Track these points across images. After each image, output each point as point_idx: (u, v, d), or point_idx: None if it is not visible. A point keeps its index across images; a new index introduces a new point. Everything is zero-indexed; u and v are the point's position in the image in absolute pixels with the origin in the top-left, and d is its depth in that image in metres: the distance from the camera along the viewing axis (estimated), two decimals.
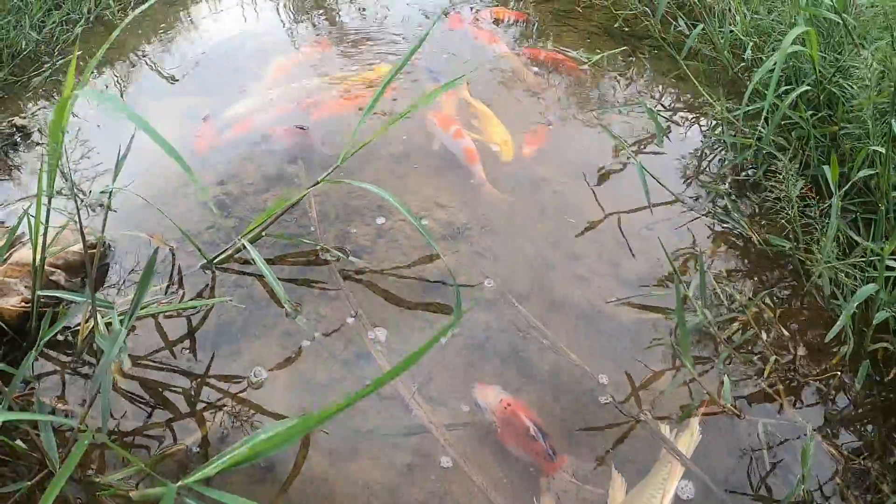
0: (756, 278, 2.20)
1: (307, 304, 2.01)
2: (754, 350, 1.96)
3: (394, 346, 1.90)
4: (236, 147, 2.59)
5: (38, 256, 1.75)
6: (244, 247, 1.92)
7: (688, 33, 3.37)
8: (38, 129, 2.98)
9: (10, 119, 3.06)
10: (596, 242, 2.25)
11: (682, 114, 3.01)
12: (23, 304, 1.95)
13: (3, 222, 2.43)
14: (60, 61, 3.46)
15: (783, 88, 2.64)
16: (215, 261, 2.02)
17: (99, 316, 1.63)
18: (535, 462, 1.66)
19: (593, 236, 2.28)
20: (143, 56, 3.51)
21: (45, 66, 3.43)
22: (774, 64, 2.29)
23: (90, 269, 1.68)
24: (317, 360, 1.87)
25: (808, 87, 2.44)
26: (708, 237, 2.33)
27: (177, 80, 3.23)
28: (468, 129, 2.68)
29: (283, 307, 1.95)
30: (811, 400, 1.85)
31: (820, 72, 2.44)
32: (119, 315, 1.87)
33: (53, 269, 2.02)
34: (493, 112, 2.74)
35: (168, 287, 2.03)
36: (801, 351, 1.98)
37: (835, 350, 1.94)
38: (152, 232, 2.19)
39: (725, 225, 2.33)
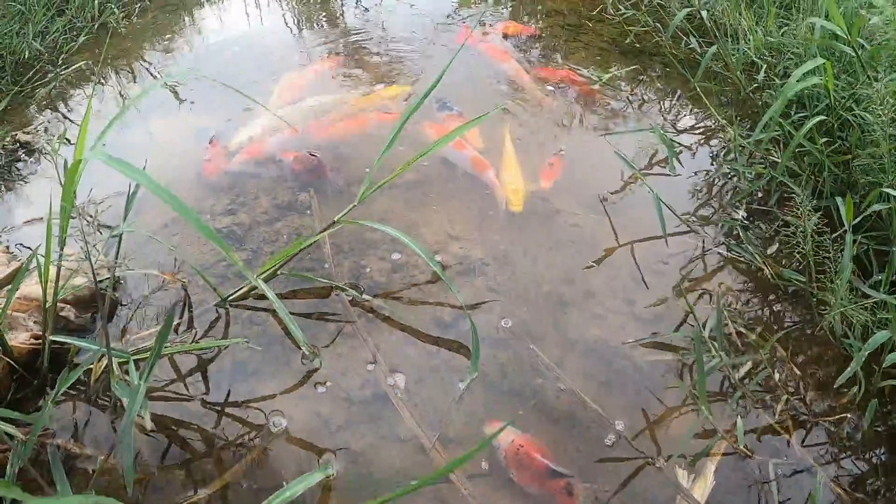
0: (769, 312, 2.20)
1: (322, 340, 1.99)
2: (766, 387, 1.96)
3: (413, 390, 1.88)
4: (246, 172, 2.56)
5: (49, 300, 1.72)
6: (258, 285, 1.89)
7: (699, 51, 3.36)
8: (45, 143, 2.93)
9: (14, 134, 3.00)
10: (611, 278, 2.24)
11: (694, 136, 2.99)
12: (32, 340, 1.92)
13: (7, 248, 2.39)
14: (65, 71, 3.40)
15: (797, 116, 2.64)
16: (229, 298, 1.99)
17: (114, 361, 1.61)
18: (552, 497, 1.65)
19: (608, 271, 2.26)
20: (150, 67, 3.46)
21: (49, 75, 3.38)
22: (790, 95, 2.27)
23: (103, 310, 1.65)
24: (333, 401, 1.85)
25: (823, 118, 2.42)
26: (722, 270, 2.32)
27: (183, 98, 3.18)
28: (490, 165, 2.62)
29: (300, 348, 1.93)
30: (821, 439, 1.85)
31: (834, 98, 2.43)
32: (132, 354, 1.85)
33: (63, 305, 1.98)
34: (515, 156, 2.67)
35: (180, 323, 2.00)
36: (812, 389, 1.98)
37: (845, 389, 1.94)
38: (163, 262, 2.16)
39: (738, 257, 2.32)
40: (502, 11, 4.02)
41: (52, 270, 1.81)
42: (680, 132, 2.98)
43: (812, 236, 2.15)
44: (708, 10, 3.26)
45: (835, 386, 1.90)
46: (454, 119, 2.79)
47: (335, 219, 1.90)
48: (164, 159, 2.69)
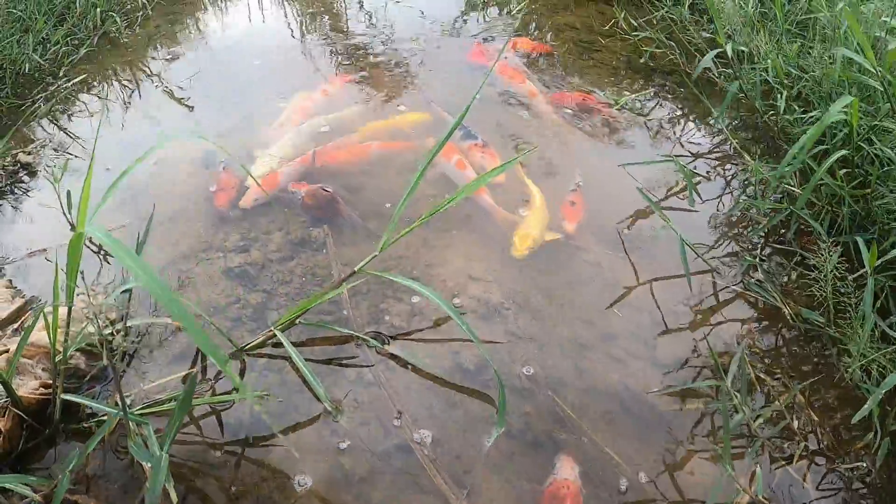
0: (788, 354, 2.17)
1: (342, 388, 1.94)
2: (784, 434, 1.93)
3: (438, 441, 1.83)
4: (257, 205, 2.49)
5: (59, 353, 1.66)
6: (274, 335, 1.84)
7: (715, 73, 3.31)
8: (46, 167, 2.84)
9: (15, 153, 2.92)
10: (632, 321, 2.20)
11: (710, 160, 2.94)
12: (42, 389, 1.86)
13: (10, 282, 2.31)
14: (66, 84, 3.31)
15: (817, 149, 2.60)
16: (246, 349, 1.94)
17: (132, 424, 1.56)
18: None
19: (628, 313, 2.22)
20: (156, 82, 3.37)
21: (50, 87, 3.28)
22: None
23: (116, 376, 1.60)
24: (356, 453, 1.80)
25: (845, 152, 2.37)
26: (741, 309, 2.28)
27: (190, 106, 3.11)
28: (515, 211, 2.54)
29: (322, 401, 1.87)
30: (837, 484, 1.84)
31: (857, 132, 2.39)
32: (148, 408, 1.80)
33: (72, 353, 1.92)
34: (542, 202, 2.57)
35: (192, 373, 1.94)
36: (830, 434, 1.96)
37: (860, 434, 1.92)
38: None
39: (758, 296, 2.29)
40: (512, 23, 3.94)
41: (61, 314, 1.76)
42: (696, 156, 2.94)
43: (831, 279, 2.13)
44: (734, 45, 3.20)
45: (851, 423, 1.89)
46: (478, 149, 2.71)
47: (355, 269, 1.85)
48: (171, 186, 2.62)
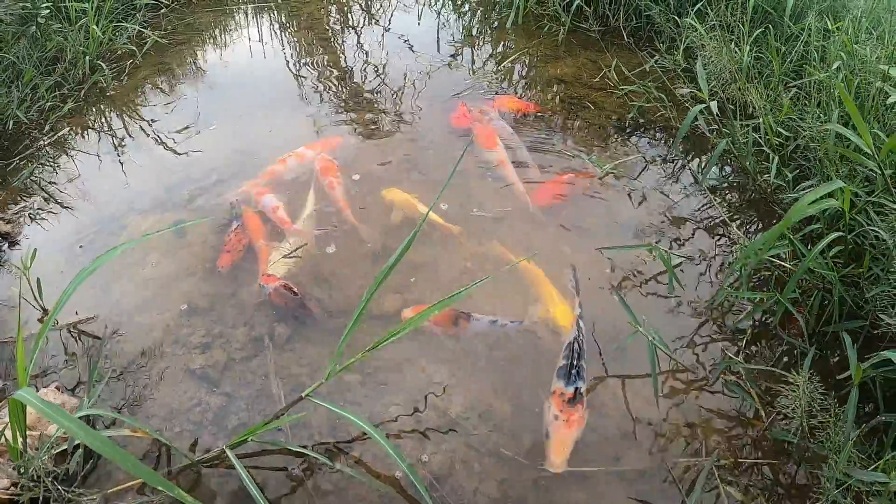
0: (767, 468, 2.08)
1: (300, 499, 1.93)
2: None
3: None
4: (225, 292, 2.50)
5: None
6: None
7: (706, 129, 3.24)
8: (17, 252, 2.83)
9: None
10: (596, 425, 2.16)
11: (700, 230, 2.88)
12: (13, 488, 1.88)
13: None
14: (49, 140, 3.31)
15: (807, 228, 2.54)
16: (201, 461, 1.94)
17: None
18: None
19: (593, 417, 2.19)
20: (142, 142, 3.37)
21: (36, 143, 3.28)
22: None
23: None
24: None
25: (839, 234, 2.29)
26: (718, 414, 2.20)
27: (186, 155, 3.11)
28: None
29: None
30: None
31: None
32: None
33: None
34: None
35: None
36: None
37: None
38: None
39: (735, 397, 2.22)
40: (500, 78, 3.86)
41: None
42: (678, 222, 2.87)
43: (806, 408, 1.99)
44: (718, 103, 3.12)
45: None
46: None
47: (302, 395, 1.84)
48: (142, 268, 2.62)
